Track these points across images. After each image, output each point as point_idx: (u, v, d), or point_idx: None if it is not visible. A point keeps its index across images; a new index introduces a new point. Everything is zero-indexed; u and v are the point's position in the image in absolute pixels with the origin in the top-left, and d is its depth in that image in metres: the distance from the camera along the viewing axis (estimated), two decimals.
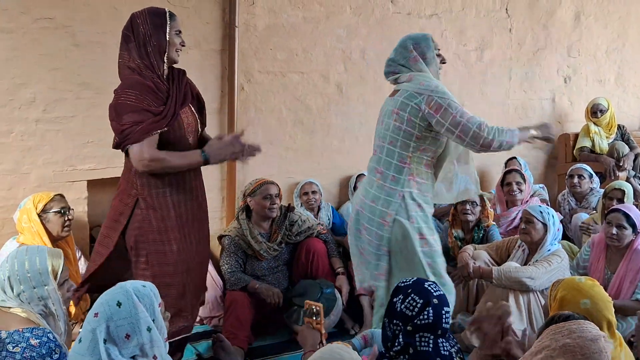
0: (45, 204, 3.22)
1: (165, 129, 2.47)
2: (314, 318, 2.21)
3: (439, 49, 2.88)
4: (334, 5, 4.51)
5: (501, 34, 5.40)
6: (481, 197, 3.91)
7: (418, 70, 2.77)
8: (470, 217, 3.90)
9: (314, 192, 4.32)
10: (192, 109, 2.68)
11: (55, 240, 3.23)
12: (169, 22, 2.52)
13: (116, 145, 2.53)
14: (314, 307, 2.23)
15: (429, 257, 2.74)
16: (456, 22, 5.11)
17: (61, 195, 3.33)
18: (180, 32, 2.59)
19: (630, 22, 6.16)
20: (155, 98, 2.47)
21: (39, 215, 3.18)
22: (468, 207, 3.88)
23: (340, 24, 4.57)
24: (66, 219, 3.26)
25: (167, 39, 2.52)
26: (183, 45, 2.61)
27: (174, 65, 2.62)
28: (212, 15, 4.01)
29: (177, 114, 2.52)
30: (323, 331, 2.21)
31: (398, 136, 2.73)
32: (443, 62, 2.92)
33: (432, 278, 2.64)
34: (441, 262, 2.80)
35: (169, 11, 2.57)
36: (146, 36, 2.49)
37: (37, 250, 2.14)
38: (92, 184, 3.77)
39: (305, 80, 4.48)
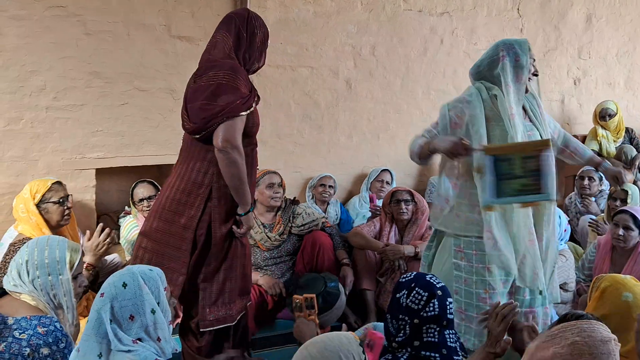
0: (43, 194, 3.08)
1: (252, 108, 2.49)
2: (306, 310, 2.18)
3: (534, 59, 2.67)
4: (345, 0, 4.51)
5: (512, 34, 5.37)
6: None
7: (494, 76, 2.62)
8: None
9: (330, 187, 4.36)
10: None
11: (54, 229, 3.10)
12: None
13: (195, 131, 2.46)
14: (302, 299, 2.19)
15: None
16: (467, 21, 5.09)
17: (59, 183, 3.19)
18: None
19: None
20: (246, 81, 2.54)
21: (37, 206, 3.06)
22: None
23: (350, 19, 4.56)
24: (65, 207, 3.13)
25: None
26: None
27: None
28: (223, 7, 4.01)
29: (256, 101, 2.56)
30: (317, 321, 2.19)
31: None
32: (535, 74, 2.69)
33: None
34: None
35: None
36: (259, 39, 2.69)
37: (58, 241, 2.17)
38: (101, 173, 3.78)
39: (314, 75, 4.47)
